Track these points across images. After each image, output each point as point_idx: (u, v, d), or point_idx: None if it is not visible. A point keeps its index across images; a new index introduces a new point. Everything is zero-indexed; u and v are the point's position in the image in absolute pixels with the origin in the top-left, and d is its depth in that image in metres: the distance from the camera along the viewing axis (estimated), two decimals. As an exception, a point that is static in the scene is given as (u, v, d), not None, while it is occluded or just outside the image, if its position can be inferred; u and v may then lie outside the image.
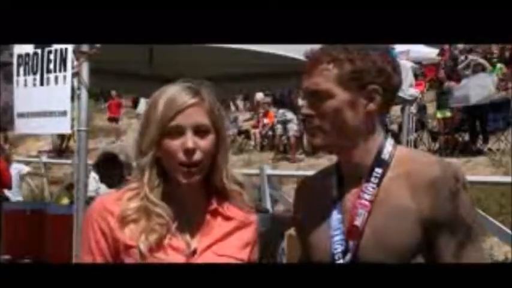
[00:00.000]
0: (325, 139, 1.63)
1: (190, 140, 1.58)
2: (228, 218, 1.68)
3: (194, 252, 1.61)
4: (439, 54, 18.37)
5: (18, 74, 4.25)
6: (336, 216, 1.64)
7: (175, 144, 1.58)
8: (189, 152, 1.58)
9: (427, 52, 18.73)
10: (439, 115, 13.64)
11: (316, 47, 1.67)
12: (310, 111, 1.63)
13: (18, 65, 4.24)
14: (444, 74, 15.28)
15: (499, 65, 14.99)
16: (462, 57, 15.81)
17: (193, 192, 1.65)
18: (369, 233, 1.58)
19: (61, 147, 18.66)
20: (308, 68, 1.65)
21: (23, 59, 4.20)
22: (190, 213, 1.65)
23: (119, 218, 1.59)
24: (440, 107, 13.76)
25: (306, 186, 1.82)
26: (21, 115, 4.31)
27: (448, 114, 13.28)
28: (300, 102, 14.93)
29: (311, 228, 1.70)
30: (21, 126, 4.39)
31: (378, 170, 1.62)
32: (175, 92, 1.61)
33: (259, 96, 18.23)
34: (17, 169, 11.40)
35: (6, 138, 16.05)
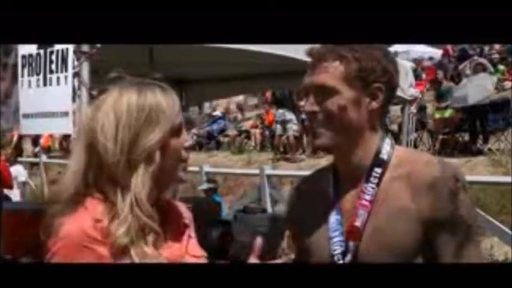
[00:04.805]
0: (328, 138, 1.62)
1: (189, 137, 1.63)
2: (176, 221, 1.66)
3: None
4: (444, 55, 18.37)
5: (22, 75, 4.27)
6: (334, 217, 1.64)
7: (179, 142, 1.59)
8: (188, 149, 1.61)
9: (427, 52, 18.75)
10: (437, 115, 13.61)
11: (317, 46, 1.67)
12: (314, 108, 1.62)
13: (23, 66, 4.27)
14: (444, 74, 15.27)
15: (501, 67, 14.99)
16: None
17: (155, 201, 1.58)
18: (368, 233, 1.58)
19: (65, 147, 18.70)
20: (312, 65, 1.64)
21: (27, 60, 4.22)
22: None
23: (112, 249, 1.49)
24: (438, 107, 13.75)
25: (302, 187, 1.81)
26: (26, 116, 4.33)
27: (447, 114, 13.25)
28: (302, 101, 14.91)
29: (309, 229, 1.69)
30: (26, 127, 4.41)
31: (377, 170, 1.62)
32: (170, 90, 1.62)
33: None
34: (16, 171, 11.46)
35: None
